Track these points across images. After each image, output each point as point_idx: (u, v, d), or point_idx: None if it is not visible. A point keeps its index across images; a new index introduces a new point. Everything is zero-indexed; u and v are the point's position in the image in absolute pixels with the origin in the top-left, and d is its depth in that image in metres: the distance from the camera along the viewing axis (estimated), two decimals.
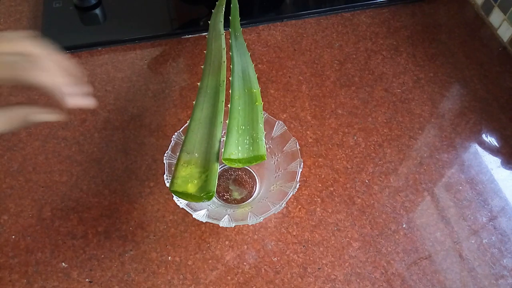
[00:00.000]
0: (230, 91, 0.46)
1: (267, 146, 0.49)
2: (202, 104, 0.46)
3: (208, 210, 0.44)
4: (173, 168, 0.43)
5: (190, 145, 0.43)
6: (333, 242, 0.47)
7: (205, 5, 0.69)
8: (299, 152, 0.46)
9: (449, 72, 0.63)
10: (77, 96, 0.37)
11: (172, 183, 0.41)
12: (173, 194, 0.41)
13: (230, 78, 0.47)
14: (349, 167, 0.53)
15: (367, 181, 0.52)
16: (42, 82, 0.34)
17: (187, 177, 0.41)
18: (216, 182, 0.41)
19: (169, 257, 0.46)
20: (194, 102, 0.46)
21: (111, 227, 0.48)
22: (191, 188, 0.41)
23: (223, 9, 0.53)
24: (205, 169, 0.41)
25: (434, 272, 0.46)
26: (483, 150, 0.55)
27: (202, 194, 0.40)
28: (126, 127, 0.56)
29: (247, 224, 0.47)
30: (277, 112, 0.57)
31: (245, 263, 0.46)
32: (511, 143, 0.56)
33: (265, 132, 0.45)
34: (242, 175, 0.52)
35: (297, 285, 0.45)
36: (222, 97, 0.45)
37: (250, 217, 0.42)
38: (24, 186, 0.51)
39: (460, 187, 0.52)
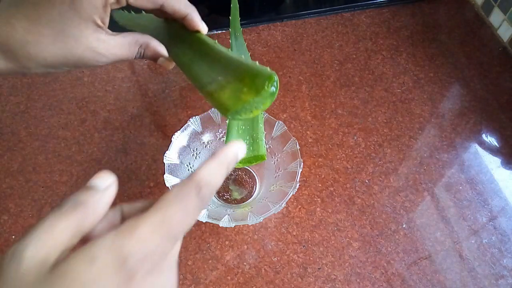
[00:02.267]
0: None
1: (267, 146, 0.49)
2: (180, 50, 0.39)
3: (208, 210, 0.44)
4: (170, 171, 0.40)
5: (205, 77, 0.36)
6: (333, 242, 0.47)
7: (205, 5, 0.69)
8: (299, 152, 0.46)
9: (449, 72, 0.63)
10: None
11: (224, 109, 0.34)
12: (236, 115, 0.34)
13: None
14: (349, 167, 0.53)
15: (367, 181, 0.52)
16: (180, 9, 0.35)
17: (233, 93, 0.34)
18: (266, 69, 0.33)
19: None
20: (169, 56, 0.39)
21: None
22: (247, 95, 0.33)
23: None
24: (241, 75, 0.34)
25: (434, 272, 0.46)
26: (483, 150, 0.55)
27: (265, 86, 0.32)
28: (126, 127, 0.56)
29: (247, 224, 0.47)
30: (277, 112, 0.57)
31: (245, 263, 0.46)
32: (511, 143, 0.56)
33: (265, 132, 0.45)
34: (242, 175, 0.52)
35: (297, 285, 0.45)
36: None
37: (250, 217, 0.42)
38: (24, 186, 0.51)
39: (460, 187, 0.52)
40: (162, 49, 0.36)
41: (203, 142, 0.50)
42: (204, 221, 0.42)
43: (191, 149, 0.49)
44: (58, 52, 0.31)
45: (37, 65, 0.31)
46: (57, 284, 0.19)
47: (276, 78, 0.32)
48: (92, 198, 0.22)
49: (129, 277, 0.19)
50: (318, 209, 0.50)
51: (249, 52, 0.50)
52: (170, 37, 0.39)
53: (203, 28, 0.37)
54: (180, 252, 0.46)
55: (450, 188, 0.52)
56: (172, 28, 0.39)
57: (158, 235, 0.20)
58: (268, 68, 0.33)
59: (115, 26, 0.36)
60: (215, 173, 0.23)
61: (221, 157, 0.24)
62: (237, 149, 0.25)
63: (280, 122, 0.48)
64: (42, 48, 0.31)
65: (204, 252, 0.46)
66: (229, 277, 0.45)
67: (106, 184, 0.23)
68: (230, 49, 0.47)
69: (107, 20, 0.33)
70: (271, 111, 0.57)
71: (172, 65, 0.38)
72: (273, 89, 0.33)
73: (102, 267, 0.19)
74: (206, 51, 0.37)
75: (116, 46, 0.33)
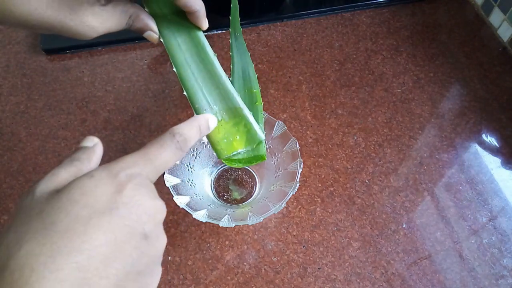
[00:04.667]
0: None
1: (267, 146, 0.49)
2: (174, 39, 0.37)
3: (208, 210, 0.44)
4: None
5: (199, 99, 0.36)
6: (333, 242, 0.47)
7: (205, 4, 0.69)
8: (299, 152, 0.46)
9: (449, 72, 0.63)
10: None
11: (218, 152, 0.37)
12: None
13: (230, 78, 0.47)
14: (349, 167, 0.53)
15: (367, 181, 0.52)
16: (195, 3, 0.35)
17: (226, 136, 0.36)
18: (261, 125, 0.37)
19: (169, 257, 0.46)
20: (161, 40, 0.37)
21: None
22: (239, 145, 0.36)
23: None
24: (239, 117, 0.36)
25: (434, 272, 0.46)
26: (483, 150, 0.55)
27: (254, 146, 0.37)
28: (126, 127, 0.56)
29: (247, 224, 0.47)
30: (277, 112, 0.57)
31: (245, 263, 0.46)
32: (511, 143, 0.56)
33: (265, 132, 0.45)
34: (242, 175, 0.52)
35: (297, 285, 0.45)
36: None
37: (250, 217, 0.42)
38: (24, 186, 0.51)
39: (460, 187, 0.52)
40: (152, 23, 0.36)
41: (203, 142, 0.50)
42: (204, 221, 0.42)
43: (191, 149, 0.49)
44: (45, 19, 0.29)
45: (13, 23, 0.29)
46: (64, 194, 0.22)
47: (264, 142, 0.38)
48: (84, 154, 0.27)
49: (120, 187, 0.23)
50: (318, 209, 0.50)
51: (249, 52, 0.50)
52: (161, 14, 0.37)
53: (205, 25, 0.37)
54: (180, 252, 0.46)
55: (450, 188, 0.52)
56: (164, 5, 0.37)
57: (142, 161, 0.26)
58: (260, 130, 0.37)
59: None
60: (187, 127, 0.30)
61: (193, 119, 0.31)
62: (208, 117, 0.32)
63: (280, 122, 0.48)
64: (28, 11, 0.29)
65: (204, 252, 0.46)
66: (229, 277, 0.45)
67: (93, 142, 0.28)
68: (231, 58, 0.47)
69: None
70: (271, 111, 0.57)
71: (157, 40, 0.37)
72: (260, 148, 0.38)
73: (99, 179, 0.23)
74: (205, 62, 0.37)
75: (108, 19, 0.32)
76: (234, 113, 0.37)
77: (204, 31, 0.39)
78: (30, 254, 0.20)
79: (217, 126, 0.36)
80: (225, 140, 0.36)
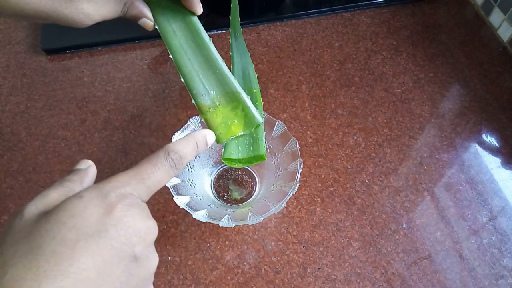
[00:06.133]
0: None
1: (267, 146, 0.49)
2: (169, 25, 0.37)
3: (208, 210, 0.44)
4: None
5: (197, 85, 0.37)
6: (333, 242, 0.47)
7: (205, 4, 0.69)
8: (299, 152, 0.46)
9: (449, 72, 0.63)
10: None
11: (217, 137, 0.37)
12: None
13: None
14: (349, 167, 0.53)
15: (367, 181, 0.52)
16: None
17: (224, 121, 0.36)
18: (257, 109, 0.37)
19: (169, 257, 0.46)
20: (156, 28, 0.37)
21: None
22: (237, 129, 0.37)
23: None
24: (236, 101, 0.37)
25: (434, 272, 0.46)
26: (483, 150, 0.55)
27: (253, 129, 0.37)
28: (126, 127, 0.56)
29: (247, 224, 0.47)
30: (277, 112, 0.57)
31: (245, 263, 0.46)
32: (511, 143, 0.56)
33: (265, 132, 0.45)
34: (242, 175, 0.52)
35: (297, 285, 0.45)
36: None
37: (250, 217, 0.42)
38: (24, 186, 0.51)
39: (460, 187, 0.52)
40: (147, 11, 0.36)
41: None
42: (204, 221, 0.42)
43: None
44: (41, 8, 0.30)
45: (10, 13, 0.30)
46: (52, 216, 0.22)
47: (262, 125, 0.38)
48: (76, 175, 0.27)
49: (110, 208, 0.23)
50: (318, 209, 0.50)
51: (249, 52, 0.50)
52: (155, 0, 0.37)
53: (199, 10, 0.37)
54: (180, 252, 0.46)
55: (450, 188, 0.52)
56: None
57: (134, 181, 0.26)
58: (258, 113, 0.37)
59: None
60: (183, 144, 0.30)
61: (190, 135, 0.31)
62: (206, 133, 0.32)
63: (280, 122, 0.48)
64: (24, 0, 0.29)
65: (204, 252, 0.46)
66: (229, 277, 0.45)
67: (87, 165, 0.28)
68: (231, 58, 0.47)
69: None
70: (271, 111, 0.57)
71: (152, 27, 0.37)
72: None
73: (89, 200, 0.23)
74: (201, 47, 0.37)
75: (103, 6, 0.33)
76: (231, 98, 0.37)
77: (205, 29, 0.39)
78: (15, 278, 0.19)
79: (215, 111, 0.37)
80: (223, 125, 0.37)
